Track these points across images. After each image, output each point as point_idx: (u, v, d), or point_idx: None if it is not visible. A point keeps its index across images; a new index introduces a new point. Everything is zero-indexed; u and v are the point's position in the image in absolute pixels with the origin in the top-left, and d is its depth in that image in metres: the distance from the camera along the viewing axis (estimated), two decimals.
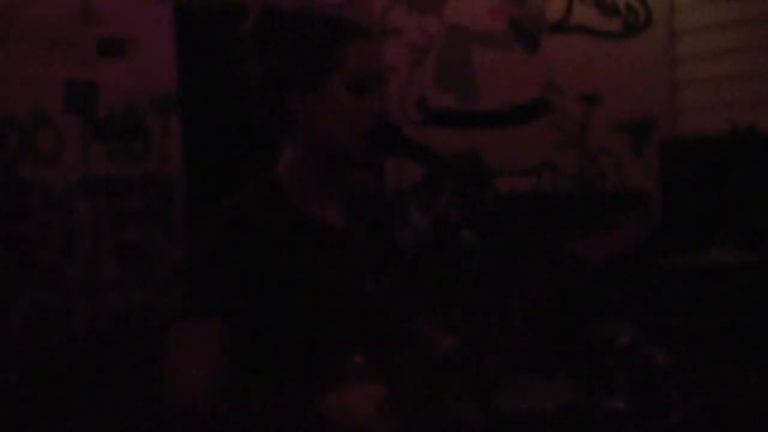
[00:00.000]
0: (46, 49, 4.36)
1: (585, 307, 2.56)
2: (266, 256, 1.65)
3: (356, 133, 1.70)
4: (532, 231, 1.71)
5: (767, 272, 3.27)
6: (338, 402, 1.58)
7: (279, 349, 1.67)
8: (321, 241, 1.73)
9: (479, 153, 5.13)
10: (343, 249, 1.76)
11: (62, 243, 4.41)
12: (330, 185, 1.78)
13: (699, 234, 3.32)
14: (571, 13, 5.36)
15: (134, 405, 3.49)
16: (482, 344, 1.74)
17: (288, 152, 1.77)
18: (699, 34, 5.24)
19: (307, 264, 1.69)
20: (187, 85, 4.68)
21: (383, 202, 1.95)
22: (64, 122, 4.42)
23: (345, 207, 1.80)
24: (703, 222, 4.14)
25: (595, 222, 1.64)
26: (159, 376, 1.58)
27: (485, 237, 3.41)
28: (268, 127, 1.78)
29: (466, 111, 5.20)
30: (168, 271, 4.55)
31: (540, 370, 2.97)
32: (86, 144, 4.46)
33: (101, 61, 4.47)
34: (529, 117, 5.32)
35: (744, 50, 4.92)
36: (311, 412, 1.56)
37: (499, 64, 5.24)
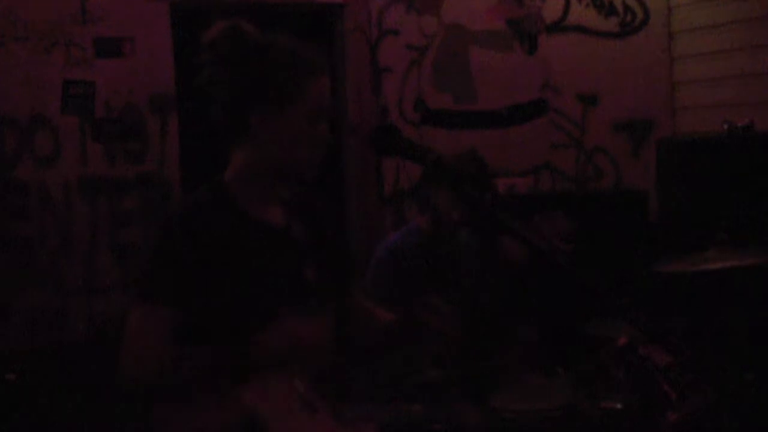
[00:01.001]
0: (44, 49, 4.35)
1: (582, 307, 2.56)
2: (212, 251, 1.86)
3: (307, 157, 1.94)
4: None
5: (764, 274, 3.27)
6: (262, 387, 1.77)
7: (222, 332, 1.86)
8: (262, 237, 1.95)
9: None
10: (281, 243, 1.98)
11: (60, 243, 4.40)
12: (272, 190, 2.01)
13: (696, 234, 3.33)
14: (569, 13, 5.36)
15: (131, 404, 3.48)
16: (417, 327, 1.94)
17: (238, 159, 2.00)
18: (696, 34, 5.26)
19: (249, 256, 1.91)
20: (184, 84, 4.68)
21: (322, 206, 2.17)
22: (62, 122, 4.42)
23: (285, 208, 2.03)
24: (700, 222, 4.14)
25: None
26: (117, 353, 1.84)
27: (484, 237, 3.42)
28: (225, 134, 2.01)
29: (464, 111, 5.21)
30: None
31: (539, 369, 2.97)
32: (84, 144, 4.46)
33: (99, 61, 4.47)
34: (527, 117, 5.32)
35: (741, 50, 4.93)
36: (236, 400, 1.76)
37: (497, 64, 5.25)
